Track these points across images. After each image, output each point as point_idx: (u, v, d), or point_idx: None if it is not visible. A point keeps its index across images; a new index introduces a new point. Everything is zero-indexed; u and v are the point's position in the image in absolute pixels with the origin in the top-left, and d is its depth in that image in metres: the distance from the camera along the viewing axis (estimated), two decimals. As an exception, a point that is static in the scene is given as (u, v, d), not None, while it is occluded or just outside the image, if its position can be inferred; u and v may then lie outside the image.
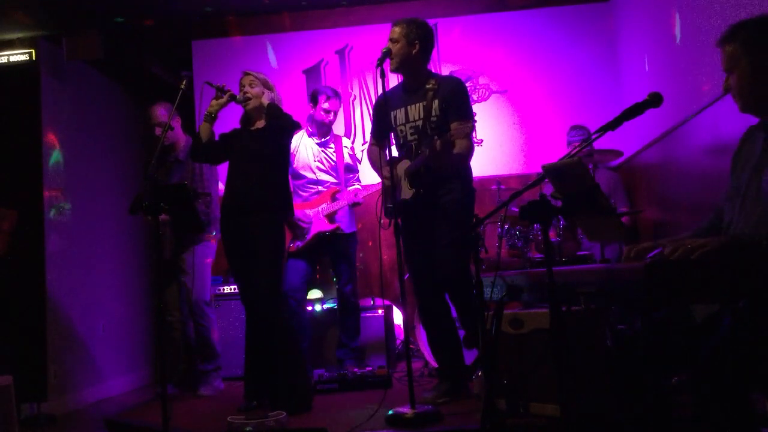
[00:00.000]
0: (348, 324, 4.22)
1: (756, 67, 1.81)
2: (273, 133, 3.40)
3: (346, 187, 4.27)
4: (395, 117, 3.36)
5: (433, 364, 3.70)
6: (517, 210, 2.64)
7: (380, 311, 4.38)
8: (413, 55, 3.26)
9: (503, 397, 2.66)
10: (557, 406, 2.42)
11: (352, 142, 4.79)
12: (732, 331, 1.61)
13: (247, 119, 3.51)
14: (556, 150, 4.80)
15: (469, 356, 3.41)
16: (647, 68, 4.29)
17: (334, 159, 4.27)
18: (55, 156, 4.38)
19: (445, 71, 4.97)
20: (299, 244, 4.13)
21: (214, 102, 3.41)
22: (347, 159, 4.33)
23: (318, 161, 4.25)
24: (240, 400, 3.41)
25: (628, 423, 1.90)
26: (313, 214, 4.15)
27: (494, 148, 5.01)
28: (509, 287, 2.14)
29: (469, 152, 3.26)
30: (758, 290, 1.54)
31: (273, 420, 2.85)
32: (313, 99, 4.25)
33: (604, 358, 2.47)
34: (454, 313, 3.37)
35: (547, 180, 2.01)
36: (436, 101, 3.24)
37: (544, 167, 1.97)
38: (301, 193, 4.25)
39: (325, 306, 4.47)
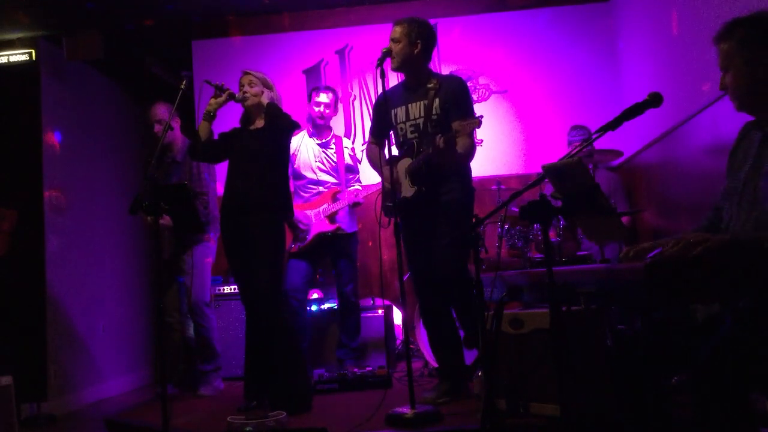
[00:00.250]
0: (348, 324, 4.23)
1: (752, 65, 1.79)
2: (272, 132, 3.40)
3: (347, 187, 4.27)
4: (396, 115, 3.36)
5: (433, 364, 3.70)
6: (517, 210, 2.64)
7: (380, 311, 4.38)
8: (415, 54, 3.27)
9: (503, 397, 2.65)
10: (557, 406, 2.41)
11: (353, 142, 4.79)
12: (732, 332, 1.61)
13: (247, 119, 3.51)
14: (556, 150, 4.80)
15: (469, 356, 3.41)
16: (647, 68, 4.29)
17: (335, 159, 4.27)
18: (55, 156, 4.38)
19: (445, 71, 4.97)
20: (300, 244, 4.14)
21: (212, 101, 3.41)
22: (348, 159, 4.33)
23: (319, 161, 4.25)
24: (240, 400, 3.41)
25: (628, 423, 1.90)
26: (314, 215, 4.16)
27: (494, 148, 5.01)
28: (509, 287, 2.14)
29: (471, 151, 3.26)
30: (759, 291, 1.53)
31: (273, 420, 2.85)
32: (309, 97, 4.29)
33: (604, 358, 2.47)
34: (454, 313, 3.38)
35: (547, 180, 2.00)
36: (437, 100, 3.24)
37: (544, 167, 1.97)
38: (302, 193, 4.26)
39: (325, 306, 4.47)
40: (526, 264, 3.82)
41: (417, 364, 4.10)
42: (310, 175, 4.25)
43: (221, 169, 3.73)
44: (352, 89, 5.25)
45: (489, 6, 5.19)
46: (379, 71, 3.04)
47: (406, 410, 2.83)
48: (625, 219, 4.27)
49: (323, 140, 4.28)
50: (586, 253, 3.88)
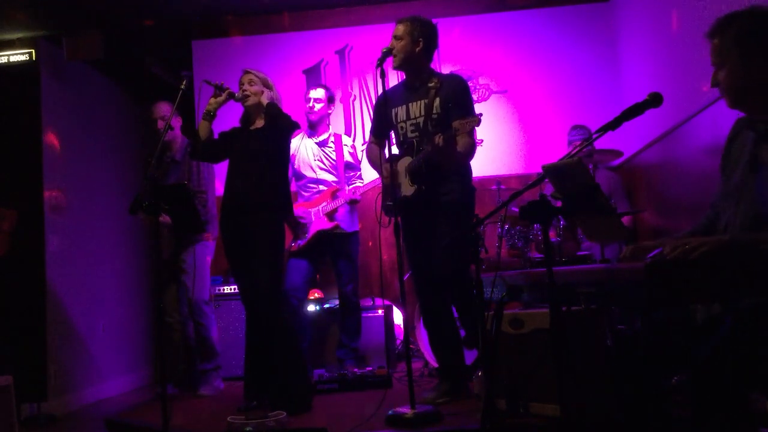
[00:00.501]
0: (348, 324, 4.23)
1: (747, 61, 1.75)
2: (272, 132, 3.39)
3: (348, 184, 4.28)
4: (396, 114, 3.36)
5: (433, 364, 3.70)
6: (517, 210, 2.64)
7: (380, 311, 4.38)
8: (417, 52, 3.27)
9: (503, 397, 2.65)
10: (557, 406, 2.41)
11: (353, 142, 4.79)
12: (732, 332, 1.61)
13: (247, 118, 3.51)
14: (556, 150, 4.80)
15: (469, 356, 3.41)
16: (647, 68, 4.29)
17: (334, 157, 4.27)
18: (55, 156, 4.38)
19: (445, 71, 4.96)
20: (301, 243, 4.14)
21: (212, 100, 3.41)
22: (347, 157, 4.33)
23: (318, 160, 4.26)
24: (240, 400, 3.41)
25: (628, 423, 1.90)
26: (314, 213, 4.17)
27: (494, 148, 5.01)
28: (509, 287, 2.14)
29: (471, 150, 3.25)
30: (759, 291, 1.53)
31: (273, 420, 2.85)
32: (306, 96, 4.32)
33: (604, 358, 2.47)
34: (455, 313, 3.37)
35: (547, 180, 2.00)
36: (438, 99, 3.24)
37: (544, 167, 1.97)
38: (303, 193, 4.28)
39: (326, 306, 4.47)
40: (526, 264, 3.82)
41: (417, 364, 4.10)
42: (309, 174, 4.25)
43: (221, 169, 3.73)
44: (352, 89, 5.25)
45: (489, 6, 5.19)
46: (379, 71, 3.04)
47: (406, 410, 2.83)
48: (625, 219, 4.27)
49: (320, 138, 4.28)
50: (586, 253, 3.88)
